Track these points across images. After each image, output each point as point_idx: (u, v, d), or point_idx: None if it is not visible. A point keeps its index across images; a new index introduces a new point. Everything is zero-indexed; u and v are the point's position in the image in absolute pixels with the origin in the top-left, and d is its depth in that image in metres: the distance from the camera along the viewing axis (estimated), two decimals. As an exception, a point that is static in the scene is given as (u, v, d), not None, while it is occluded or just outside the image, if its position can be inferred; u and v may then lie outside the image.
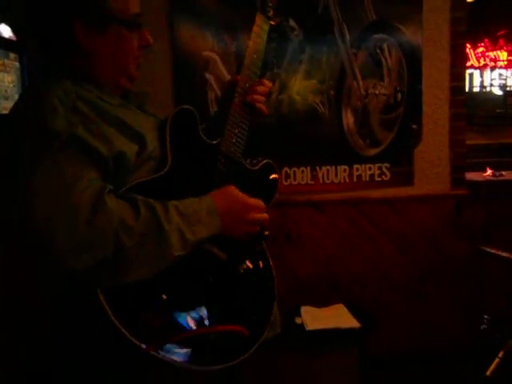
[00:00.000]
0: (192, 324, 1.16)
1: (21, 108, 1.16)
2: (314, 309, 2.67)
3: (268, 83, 1.46)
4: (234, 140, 1.36)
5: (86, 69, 1.22)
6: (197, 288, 1.20)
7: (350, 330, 2.44)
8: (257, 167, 1.46)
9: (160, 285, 1.12)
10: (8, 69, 2.09)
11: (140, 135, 1.20)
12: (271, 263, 1.40)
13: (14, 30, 2.08)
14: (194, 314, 1.17)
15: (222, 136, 1.35)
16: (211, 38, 2.73)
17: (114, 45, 1.22)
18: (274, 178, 1.50)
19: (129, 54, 1.26)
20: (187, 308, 1.17)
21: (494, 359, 1.53)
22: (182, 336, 1.13)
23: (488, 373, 1.52)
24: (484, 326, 1.66)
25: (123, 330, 1.05)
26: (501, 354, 1.53)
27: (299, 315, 2.60)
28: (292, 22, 2.76)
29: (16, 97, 2.12)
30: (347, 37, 2.79)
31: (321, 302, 2.76)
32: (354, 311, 2.63)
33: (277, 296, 1.38)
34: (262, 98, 1.43)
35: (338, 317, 2.57)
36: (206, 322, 1.19)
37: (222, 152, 1.34)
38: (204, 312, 1.20)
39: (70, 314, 1.18)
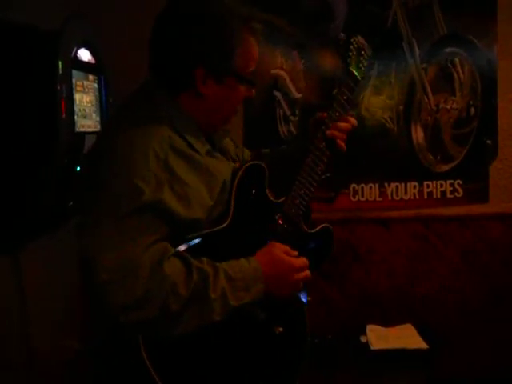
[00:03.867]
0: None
1: (116, 143, 1.18)
2: (381, 328, 2.63)
3: (353, 121, 1.46)
4: (298, 201, 1.37)
5: (191, 109, 1.27)
6: (230, 348, 1.22)
7: (417, 351, 2.37)
8: (314, 230, 1.45)
9: (196, 341, 1.16)
10: (87, 90, 2.22)
11: (224, 186, 1.26)
12: (307, 329, 1.39)
13: (92, 54, 2.21)
14: (223, 376, 1.20)
15: (288, 194, 1.37)
16: (280, 55, 2.77)
17: (225, 95, 1.28)
18: (329, 244, 1.48)
19: (236, 103, 1.32)
20: (219, 368, 1.20)
21: None
22: None
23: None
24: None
25: (151, 370, 1.10)
26: None
27: (364, 334, 2.56)
28: (360, 39, 2.75)
29: (94, 116, 2.25)
30: (417, 51, 2.75)
31: (388, 321, 2.71)
32: (423, 332, 2.56)
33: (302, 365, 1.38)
34: (344, 135, 1.43)
35: (405, 337, 2.51)
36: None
37: (284, 212, 1.36)
38: (235, 373, 1.22)
39: (110, 342, 1.23)
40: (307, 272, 1.31)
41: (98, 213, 1.12)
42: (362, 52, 1.49)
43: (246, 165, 1.33)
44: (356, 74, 1.47)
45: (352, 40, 1.51)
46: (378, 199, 2.86)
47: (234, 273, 1.17)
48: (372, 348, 2.42)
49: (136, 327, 1.10)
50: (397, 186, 2.85)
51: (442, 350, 2.45)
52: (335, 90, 2.78)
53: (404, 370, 2.35)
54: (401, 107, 2.79)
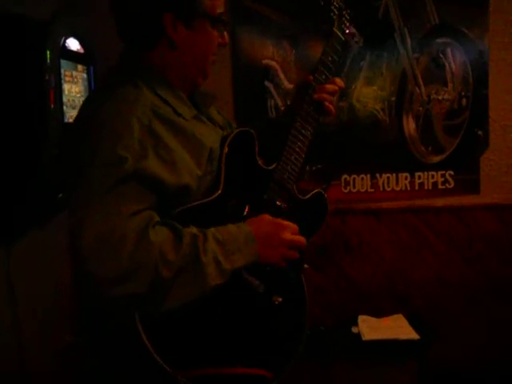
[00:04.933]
0: (218, 360, 1.17)
1: (97, 114, 1.15)
2: (372, 318, 2.63)
3: (340, 82, 1.43)
4: (290, 167, 1.34)
5: (166, 66, 1.24)
6: (230, 321, 1.20)
7: (409, 342, 2.38)
8: (307, 196, 1.43)
9: (195, 315, 1.14)
10: (76, 80, 2.20)
11: (211, 154, 1.23)
12: (307, 298, 1.37)
13: (81, 43, 2.18)
14: (222, 349, 1.18)
15: (278, 160, 1.34)
16: (271, 46, 2.75)
17: (198, 40, 1.25)
18: (323, 208, 1.45)
19: (210, 51, 1.29)
20: (218, 342, 1.18)
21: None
22: (207, 371, 1.15)
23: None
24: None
25: (153, 352, 1.08)
26: None
27: (356, 324, 2.56)
28: (352, 29, 2.74)
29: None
30: (408, 42, 2.74)
31: (379, 311, 2.71)
32: (414, 322, 2.56)
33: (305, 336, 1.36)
34: (331, 98, 1.40)
35: (396, 328, 2.52)
36: (233, 359, 1.20)
37: (275, 179, 1.34)
38: (233, 347, 1.20)
39: (104, 330, 1.21)
40: (300, 237, 1.29)
41: (82, 186, 1.09)
42: (344, 12, 1.46)
43: (235, 131, 1.31)
44: (339, 34, 1.43)
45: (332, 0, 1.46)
46: (369, 190, 2.85)
47: (223, 236, 1.15)
48: (364, 339, 2.42)
49: (127, 302, 1.06)
50: (388, 177, 2.85)
51: (433, 341, 2.46)
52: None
53: (396, 360, 2.36)
54: (392, 98, 2.78)
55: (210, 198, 1.22)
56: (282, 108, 2.78)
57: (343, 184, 2.83)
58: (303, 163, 1.38)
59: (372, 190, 2.85)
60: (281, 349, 1.30)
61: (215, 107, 1.49)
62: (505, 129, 2.85)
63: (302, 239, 1.30)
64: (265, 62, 2.76)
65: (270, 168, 1.35)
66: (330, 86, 1.40)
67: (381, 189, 2.85)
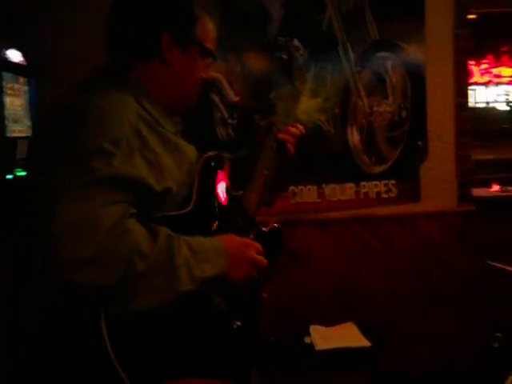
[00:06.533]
0: (180, 372, 1.16)
1: (89, 108, 1.15)
2: (324, 328, 2.66)
3: (301, 127, 1.52)
4: (254, 196, 1.41)
5: (152, 81, 1.26)
6: (192, 336, 1.20)
7: (361, 349, 2.42)
8: (267, 228, 1.48)
9: (160, 328, 1.13)
10: (17, 93, 2.11)
11: (190, 168, 1.26)
12: (260, 327, 1.41)
13: (24, 55, 2.10)
14: (183, 363, 1.17)
15: (245, 189, 1.41)
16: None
17: (188, 64, 1.29)
18: (279, 245, 1.50)
19: (196, 79, 1.33)
20: (179, 356, 1.17)
21: (507, 377, 1.51)
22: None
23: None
24: (496, 344, 1.64)
25: (117, 365, 1.05)
26: (515, 371, 1.51)
27: (308, 334, 2.58)
28: (296, 42, 2.78)
29: (25, 120, 2.14)
30: (351, 55, 2.81)
31: (330, 320, 2.74)
32: (365, 330, 2.61)
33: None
34: (293, 140, 1.49)
35: (348, 336, 2.55)
36: (194, 372, 1.19)
37: (241, 206, 1.39)
38: (195, 361, 1.20)
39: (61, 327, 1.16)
40: (263, 258, 1.31)
41: (60, 172, 1.07)
42: (299, 54, 1.59)
43: (210, 154, 1.35)
44: (297, 87, 1.54)
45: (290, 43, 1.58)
46: (316, 201, 2.89)
47: (195, 245, 1.16)
48: (317, 348, 2.44)
49: (95, 292, 1.03)
50: (334, 188, 2.90)
51: (383, 347, 2.51)
52: (272, 93, 2.79)
53: (350, 368, 2.39)
54: (337, 110, 2.85)
55: (182, 212, 1.24)
56: (230, 121, 2.78)
57: (291, 195, 2.85)
58: (266, 194, 1.45)
59: (319, 200, 2.89)
60: (237, 361, 1.32)
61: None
62: (441, 139, 2.98)
63: (265, 260, 1.32)
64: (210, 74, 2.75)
65: (238, 194, 1.41)
66: (293, 129, 1.49)
67: (327, 199, 2.90)
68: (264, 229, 1.47)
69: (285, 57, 1.62)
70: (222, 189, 1.37)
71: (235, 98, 2.77)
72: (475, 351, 2.90)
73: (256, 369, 1.45)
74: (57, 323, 1.15)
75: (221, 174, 1.37)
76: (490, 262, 1.84)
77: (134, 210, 1.10)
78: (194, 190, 1.27)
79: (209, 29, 1.32)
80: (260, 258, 1.30)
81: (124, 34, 1.27)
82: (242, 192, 1.41)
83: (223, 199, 1.37)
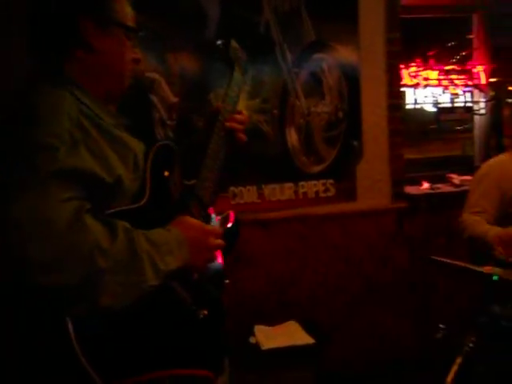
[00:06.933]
0: (149, 365, 1.15)
1: (28, 106, 1.13)
2: (268, 327, 2.67)
3: (245, 114, 1.56)
4: (207, 184, 1.41)
5: (83, 74, 1.23)
6: (160, 329, 1.19)
7: (306, 347, 2.45)
8: (221, 215, 1.50)
9: (126, 324, 1.11)
10: None
11: (136, 160, 1.24)
12: (224, 312, 1.41)
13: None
14: (153, 357, 1.16)
15: (198, 177, 1.41)
16: (154, 59, 2.70)
17: (114, 46, 1.26)
18: (236, 230, 1.52)
19: (126, 59, 1.30)
20: (147, 349, 1.16)
21: (451, 367, 1.58)
22: (138, 379, 1.12)
23: (449, 379, 1.57)
24: (439, 335, 1.71)
25: (84, 361, 1.03)
26: (458, 360, 1.58)
27: (253, 335, 2.58)
28: (234, 42, 2.78)
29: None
30: (288, 57, 2.84)
31: (273, 319, 2.76)
32: (307, 327, 2.64)
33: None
34: (241, 127, 1.51)
35: (292, 334, 2.58)
36: (163, 365, 1.18)
37: (196, 195, 1.39)
38: (165, 354, 1.19)
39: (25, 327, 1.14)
40: (222, 241, 1.33)
41: (9, 172, 1.05)
42: (239, 55, 1.61)
43: (158, 144, 1.34)
44: (237, 78, 1.57)
45: (228, 45, 1.61)
46: (256, 201, 2.90)
47: (156, 238, 1.15)
48: (263, 348, 2.44)
49: (62, 295, 1.00)
50: (274, 188, 2.92)
51: (327, 344, 2.55)
52: (211, 94, 2.77)
53: (295, 365, 2.41)
54: (275, 111, 2.87)
55: (136, 206, 1.23)
56: (169, 122, 2.74)
57: (231, 196, 2.84)
58: (218, 182, 1.45)
59: (259, 200, 2.90)
60: (208, 350, 1.32)
61: None
62: (376, 139, 3.07)
63: (223, 244, 1.33)
64: (148, 74, 2.70)
65: (190, 183, 1.41)
66: (239, 117, 1.52)
67: (267, 199, 2.91)
68: (219, 216, 1.49)
69: (221, 46, 1.62)
70: (174, 179, 1.36)
71: (174, 99, 2.73)
72: (417, 343, 3.02)
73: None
74: (22, 323, 1.12)
75: (172, 164, 1.36)
76: (430, 256, 1.91)
77: (89, 206, 1.08)
78: (147, 183, 1.27)
79: (126, 7, 1.31)
80: (220, 242, 1.31)
81: (41, 30, 1.24)
82: (194, 181, 1.41)
83: (177, 189, 1.36)
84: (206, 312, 1.29)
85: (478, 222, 2.33)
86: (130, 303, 1.08)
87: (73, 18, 1.20)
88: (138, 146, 1.29)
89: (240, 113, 1.53)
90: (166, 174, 1.34)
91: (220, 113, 1.48)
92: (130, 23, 1.30)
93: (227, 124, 1.47)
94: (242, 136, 1.50)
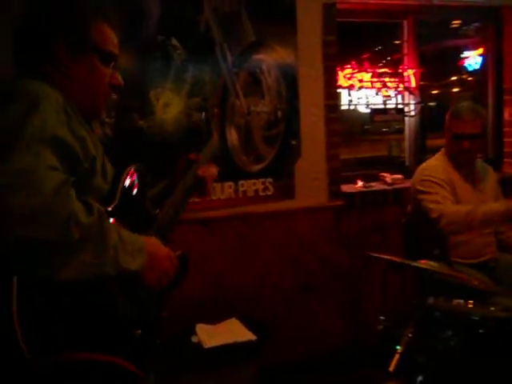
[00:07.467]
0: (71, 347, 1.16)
1: (15, 90, 1.18)
2: (209, 326, 2.67)
3: (217, 168, 1.80)
4: (167, 219, 1.54)
5: (63, 89, 1.26)
6: (91, 321, 1.21)
7: (248, 343, 2.47)
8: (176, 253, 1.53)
9: (63, 305, 1.14)
10: None
11: (103, 164, 1.34)
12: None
13: None
14: (80, 340, 1.18)
15: (161, 209, 1.54)
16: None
17: (86, 73, 1.29)
18: (185, 271, 1.58)
19: (99, 86, 1.33)
20: (75, 333, 1.17)
21: (393, 355, 1.66)
22: (64, 356, 1.13)
23: (391, 368, 1.64)
24: (380, 327, 1.80)
25: (17, 326, 1.05)
26: (399, 349, 1.66)
27: (194, 334, 2.58)
28: (174, 41, 2.77)
29: None
30: (228, 56, 2.86)
31: (214, 318, 2.77)
32: (248, 324, 2.67)
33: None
34: (212, 180, 1.75)
35: (233, 331, 2.60)
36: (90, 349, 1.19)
37: (157, 224, 1.51)
38: (93, 341, 1.20)
39: None
40: (174, 270, 1.39)
41: (5, 131, 1.09)
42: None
43: (137, 163, 1.43)
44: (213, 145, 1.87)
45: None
46: (196, 200, 2.89)
47: (124, 235, 1.20)
48: (205, 347, 2.45)
49: (29, 252, 1.03)
50: (214, 187, 2.92)
51: (268, 339, 2.59)
52: (151, 92, 2.74)
53: (238, 362, 2.43)
54: (216, 110, 2.88)
55: (105, 208, 1.25)
56: (107, 120, 2.69)
57: (171, 195, 2.82)
58: (176, 220, 1.63)
59: (199, 199, 2.90)
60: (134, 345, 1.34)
61: None
62: (313, 139, 3.14)
63: (172, 275, 1.38)
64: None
65: (155, 212, 1.51)
66: (214, 170, 1.74)
67: (207, 198, 2.91)
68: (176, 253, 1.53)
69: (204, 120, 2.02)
70: (142, 200, 1.45)
71: (113, 97, 2.68)
72: (354, 336, 3.13)
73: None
74: None
75: (145, 186, 1.46)
76: (366, 252, 1.99)
77: (74, 178, 1.13)
78: (118, 193, 1.32)
79: (107, 33, 1.33)
80: (173, 270, 1.37)
81: (24, 45, 1.29)
82: (158, 211, 1.52)
83: (143, 210, 1.44)
84: (139, 332, 1.32)
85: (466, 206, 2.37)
86: (84, 280, 1.11)
87: (50, 40, 1.26)
88: (99, 150, 1.34)
89: (214, 167, 1.77)
90: (137, 191, 1.41)
91: (195, 163, 1.70)
92: (110, 48, 1.33)
93: (200, 173, 1.69)
94: (210, 187, 1.77)
